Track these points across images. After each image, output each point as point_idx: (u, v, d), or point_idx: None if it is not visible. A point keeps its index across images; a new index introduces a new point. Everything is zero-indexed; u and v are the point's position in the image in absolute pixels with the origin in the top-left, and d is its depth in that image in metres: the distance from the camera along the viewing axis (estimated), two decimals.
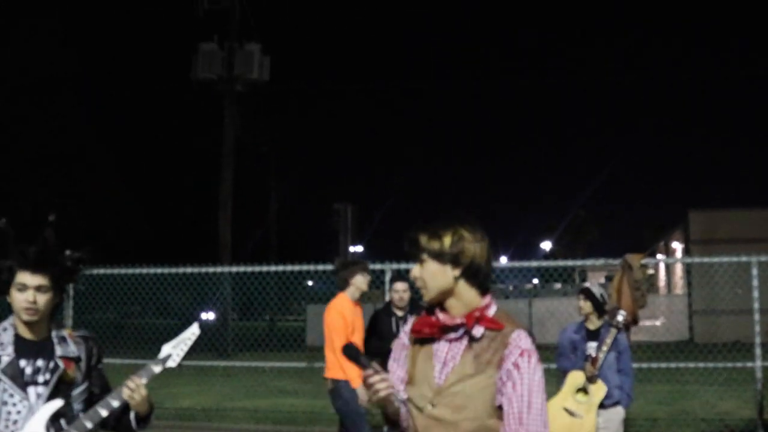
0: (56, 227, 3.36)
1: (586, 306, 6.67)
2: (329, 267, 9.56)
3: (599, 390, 6.45)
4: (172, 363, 3.37)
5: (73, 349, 3.37)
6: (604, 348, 6.50)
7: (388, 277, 9.21)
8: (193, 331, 3.49)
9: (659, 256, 35.87)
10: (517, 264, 14.51)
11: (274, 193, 35.80)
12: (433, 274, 2.69)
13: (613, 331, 6.56)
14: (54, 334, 3.37)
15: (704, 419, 10.62)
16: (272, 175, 35.81)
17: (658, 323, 31.38)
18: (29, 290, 3.23)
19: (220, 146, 26.14)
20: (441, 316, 2.74)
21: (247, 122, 27.47)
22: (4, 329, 3.33)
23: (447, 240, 2.67)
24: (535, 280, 45.12)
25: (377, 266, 9.19)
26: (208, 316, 24.80)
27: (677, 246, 37.12)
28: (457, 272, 2.68)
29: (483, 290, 2.74)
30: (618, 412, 6.54)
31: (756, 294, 8.65)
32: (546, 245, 57.26)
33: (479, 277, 2.71)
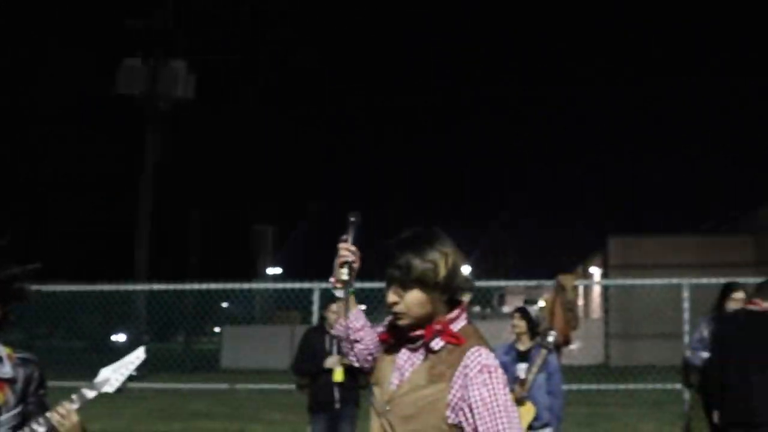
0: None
1: (521, 325, 6.58)
2: (251, 286, 9.24)
3: (528, 412, 6.36)
4: (109, 388, 3.12)
5: (7, 370, 3.12)
6: (534, 369, 6.41)
7: (316, 296, 8.98)
8: (137, 355, 3.24)
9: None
10: None
11: (194, 212, 35.10)
12: (421, 303, 2.52)
13: (544, 352, 6.48)
14: None
15: None
16: (193, 194, 35.17)
17: (574, 346, 31.77)
18: None
19: (140, 163, 25.50)
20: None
21: (169, 140, 26.85)
22: None
23: (442, 267, 2.52)
24: None
25: (305, 285, 8.96)
26: (119, 337, 24.12)
27: (595, 270, 37.82)
28: (445, 297, 2.56)
29: (452, 303, 2.61)
30: None
31: (687, 316, 8.68)
32: (464, 269, 57.55)
33: (456, 293, 2.61)
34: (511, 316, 6.66)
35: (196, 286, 11.83)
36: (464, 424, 2.45)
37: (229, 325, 29.49)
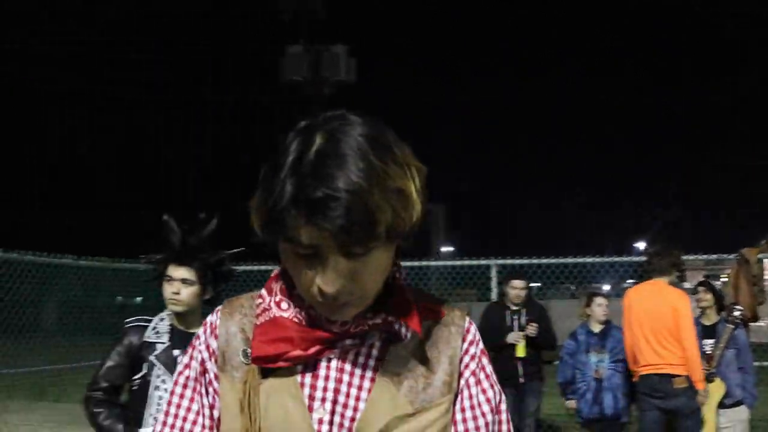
0: (212, 226, 3.55)
1: (708, 299, 6.44)
2: (420, 263, 9.31)
3: (718, 389, 6.24)
4: None
5: None
6: (721, 345, 6.29)
7: (493, 272, 9.08)
8: None
9: None
10: (617, 259, 13.66)
11: None
12: (384, 269, 1.21)
13: (730, 327, 6.32)
14: None
15: None
16: None
17: (763, 323, 30.31)
18: (174, 282, 3.45)
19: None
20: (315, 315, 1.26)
21: None
22: (162, 319, 3.55)
23: (411, 187, 1.17)
24: (630, 281, 44.44)
25: (482, 262, 9.08)
26: None
27: None
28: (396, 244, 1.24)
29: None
30: (742, 412, 6.30)
31: None
32: (641, 245, 56.09)
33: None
34: (694, 290, 6.52)
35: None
36: None
37: None
